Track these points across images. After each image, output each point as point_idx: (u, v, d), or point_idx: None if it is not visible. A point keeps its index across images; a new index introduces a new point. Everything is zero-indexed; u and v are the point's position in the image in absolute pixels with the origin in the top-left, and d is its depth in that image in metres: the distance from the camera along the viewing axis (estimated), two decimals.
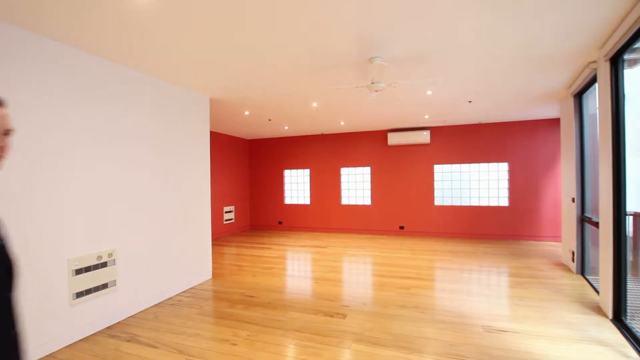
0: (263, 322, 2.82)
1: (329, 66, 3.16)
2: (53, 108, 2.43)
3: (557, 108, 5.17)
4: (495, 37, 2.57)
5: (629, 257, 2.73)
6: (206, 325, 2.82)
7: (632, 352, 2.25)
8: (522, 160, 6.34)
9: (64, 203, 2.49)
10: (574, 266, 4.11)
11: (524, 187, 6.34)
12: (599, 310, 2.95)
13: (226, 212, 7.43)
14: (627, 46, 2.42)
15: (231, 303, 3.30)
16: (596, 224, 3.20)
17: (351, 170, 7.54)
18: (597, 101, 2.97)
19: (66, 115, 2.52)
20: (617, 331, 2.54)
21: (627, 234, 2.64)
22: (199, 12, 2.12)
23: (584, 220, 3.93)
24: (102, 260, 2.77)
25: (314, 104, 4.74)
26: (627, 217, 2.62)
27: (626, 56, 2.56)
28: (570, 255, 4.23)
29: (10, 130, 0.79)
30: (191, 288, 3.77)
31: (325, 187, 7.72)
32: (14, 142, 2.19)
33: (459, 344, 2.40)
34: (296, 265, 4.82)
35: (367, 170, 7.42)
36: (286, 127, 6.78)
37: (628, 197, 2.57)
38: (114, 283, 2.87)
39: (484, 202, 6.64)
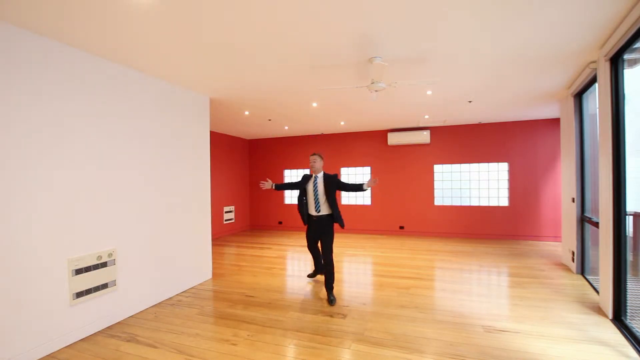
0: (263, 322, 2.83)
1: (329, 66, 3.16)
2: (52, 108, 2.42)
3: (557, 108, 5.17)
4: (495, 37, 2.57)
5: (629, 257, 2.73)
6: (206, 325, 2.82)
7: (632, 352, 2.25)
8: (522, 160, 6.34)
9: (64, 203, 2.49)
10: (574, 266, 4.11)
11: (524, 187, 6.34)
12: (599, 310, 2.95)
13: (226, 212, 7.43)
14: (627, 46, 2.42)
15: (231, 303, 3.30)
16: (596, 224, 3.19)
17: (351, 170, 7.54)
18: (597, 101, 2.97)
19: (65, 116, 2.51)
20: (617, 331, 2.54)
21: (627, 234, 2.64)
22: (199, 11, 2.12)
23: (584, 220, 3.93)
24: (102, 260, 2.77)
25: (314, 104, 4.74)
26: (627, 217, 2.62)
27: (626, 56, 2.56)
28: (570, 255, 4.23)
29: None
30: (191, 288, 3.77)
31: None
32: (14, 142, 2.19)
33: (459, 344, 2.40)
34: (296, 265, 4.82)
35: (367, 170, 7.42)
36: (286, 127, 6.78)
37: (628, 197, 2.57)
38: (114, 283, 2.87)
39: (484, 202, 6.63)
